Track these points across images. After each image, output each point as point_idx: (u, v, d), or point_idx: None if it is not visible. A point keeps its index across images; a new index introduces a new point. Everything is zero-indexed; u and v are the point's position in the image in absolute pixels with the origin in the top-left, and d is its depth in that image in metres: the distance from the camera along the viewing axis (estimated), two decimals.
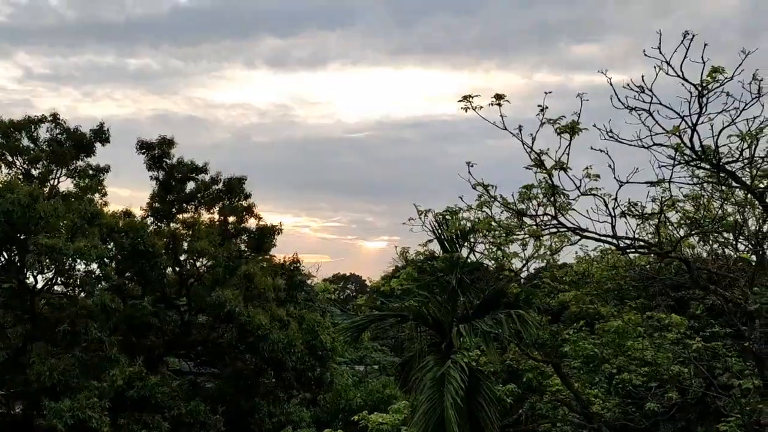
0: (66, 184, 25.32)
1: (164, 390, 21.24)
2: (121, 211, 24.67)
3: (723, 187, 10.66)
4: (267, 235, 26.13)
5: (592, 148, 8.75)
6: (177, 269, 24.82)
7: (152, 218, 26.41)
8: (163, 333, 24.71)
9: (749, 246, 12.21)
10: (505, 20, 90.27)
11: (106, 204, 25.39)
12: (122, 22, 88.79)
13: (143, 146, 26.12)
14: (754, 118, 8.16)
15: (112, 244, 22.92)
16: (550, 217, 9.69)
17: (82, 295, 22.52)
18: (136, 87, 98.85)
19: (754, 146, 8.35)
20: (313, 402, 27.47)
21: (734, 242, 12.21)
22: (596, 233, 9.39)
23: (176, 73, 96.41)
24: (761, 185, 8.86)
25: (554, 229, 10.00)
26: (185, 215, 26.07)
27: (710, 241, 12.61)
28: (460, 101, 9.14)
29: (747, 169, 8.79)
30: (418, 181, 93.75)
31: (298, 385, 24.71)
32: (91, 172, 25.68)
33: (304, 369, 23.87)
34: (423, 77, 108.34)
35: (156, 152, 26.17)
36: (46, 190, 23.99)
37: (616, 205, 9.15)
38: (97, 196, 25.34)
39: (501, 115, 9.00)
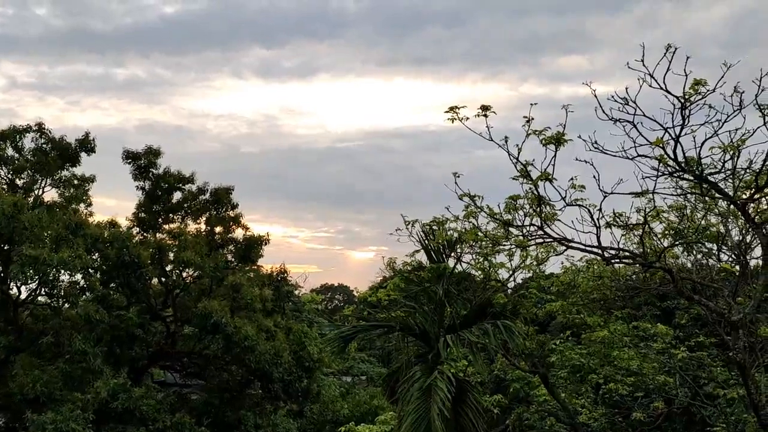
0: (51, 194, 25.09)
1: (149, 402, 21.02)
2: (106, 221, 24.47)
3: (706, 198, 10.78)
4: (254, 245, 26.01)
5: (577, 159, 8.84)
6: (163, 280, 24.63)
7: (138, 228, 26.21)
8: (148, 344, 24.48)
9: (732, 256, 12.34)
10: (492, 33, 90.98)
11: (91, 214, 25.17)
12: (110, 31, 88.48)
13: (129, 156, 25.96)
14: (736, 129, 8.29)
15: (97, 254, 22.71)
16: (536, 228, 9.75)
17: (66, 306, 22.27)
18: (123, 96, 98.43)
19: (736, 158, 8.47)
20: (300, 413, 27.29)
21: (717, 253, 12.34)
22: (582, 244, 9.47)
23: (164, 82, 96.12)
24: (743, 196, 8.97)
25: (540, 240, 10.06)
26: (171, 225, 25.89)
27: (694, 252, 12.73)
28: (446, 112, 9.21)
29: (729, 181, 8.91)
30: (405, 192, 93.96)
31: (285, 396, 24.55)
32: (76, 181, 25.45)
33: (291, 380, 23.72)
34: (411, 88, 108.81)
35: (142, 162, 26.02)
36: (31, 199, 23.74)
37: (601, 215, 9.24)
38: (82, 206, 25.12)
39: (487, 126, 9.08)
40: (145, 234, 26.07)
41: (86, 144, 25.15)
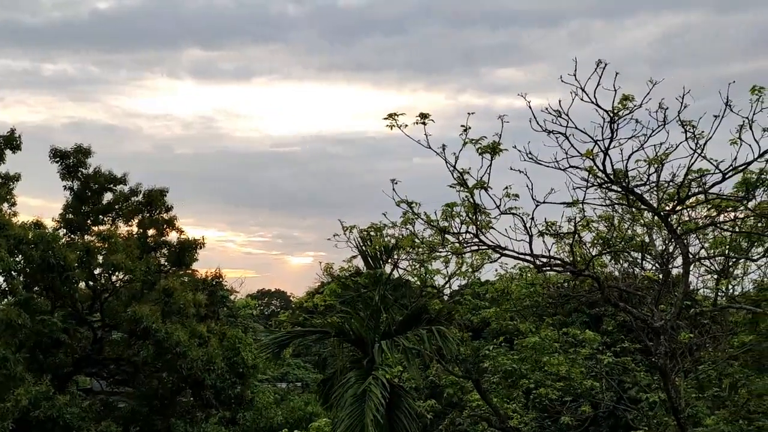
0: None
1: (73, 410, 20.23)
2: (31, 221, 23.39)
3: (633, 209, 11.23)
4: (189, 249, 25.41)
5: (511, 169, 9.05)
6: (90, 284, 23.76)
7: (65, 230, 25.21)
8: (74, 350, 23.55)
9: (655, 265, 12.88)
10: (432, 43, 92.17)
11: (15, 214, 23.99)
12: (39, 25, 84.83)
13: (57, 154, 24.97)
14: (661, 144, 8.69)
15: (20, 256, 21.73)
16: (471, 235, 9.93)
17: None
18: (51, 93, 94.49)
19: (660, 171, 8.86)
20: (233, 421, 26.76)
21: (641, 262, 12.86)
22: (515, 251, 9.69)
23: (95, 80, 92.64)
24: (667, 208, 9.38)
25: (475, 247, 10.25)
26: (101, 227, 25.03)
27: (621, 261, 13.22)
28: (385, 119, 9.27)
29: (654, 193, 9.30)
30: (344, 198, 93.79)
31: (218, 403, 24.05)
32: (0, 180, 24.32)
33: (224, 387, 23.26)
34: (351, 95, 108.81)
35: (71, 161, 25.07)
36: None
37: (534, 224, 9.48)
38: (5, 205, 23.96)
39: (426, 134, 9.19)
40: (72, 236, 25.11)
41: (11, 141, 24.05)
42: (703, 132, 8.39)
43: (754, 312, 10.18)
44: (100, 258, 23.00)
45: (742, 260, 12.75)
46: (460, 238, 10.04)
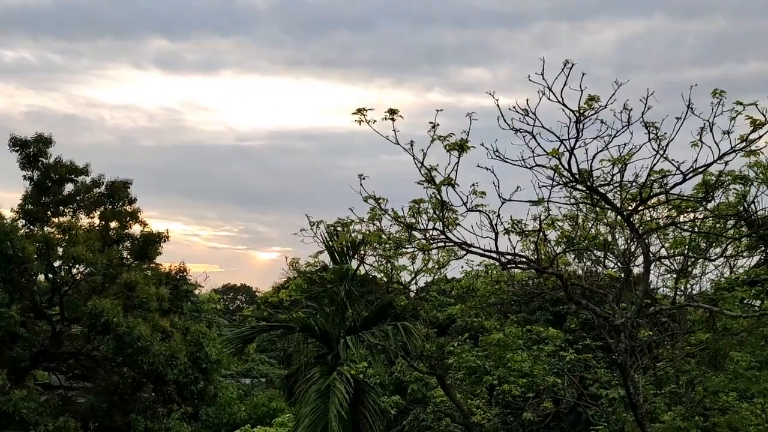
0: None
1: (30, 405, 19.79)
2: None
3: (596, 209, 11.40)
4: (152, 242, 24.97)
5: (479, 166, 9.09)
6: (50, 276, 23.21)
7: (24, 221, 24.54)
8: (32, 344, 22.99)
9: (618, 264, 13.11)
10: (399, 41, 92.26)
11: None
12: None
13: (17, 143, 24.27)
14: (624, 144, 8.82)
15: None
16: (438, 232, 9.94)
17: None
18: (9, 80, 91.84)
19: (623, 171, 9.00)
20: (195, 416, 26.45)
21: (604, 260, 13.08)
22: (481, 248, 9.74)
23: (56, 68, 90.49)
24: (629, 208, 9.54)
25: (442, 244, 10.27)
26: (62, 219, 24.44)
27: (584, 259, 13.42)
28: (354, 113, 9.23)
29: (617, 193, 9.45)
30: (311, 193, 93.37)
31: (180, 399, 23.72)
32: None
33: (187, 382, 22.96)
34: (317, 90, 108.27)
35: (31, 150, 24.39)
36: None
37: (500, 221, 9.54)
38: None
39: (394, 130, 9.17)
40: (31, 227, 24.46)
41: None
42: (665, 134, 8.56)
43: (711, 311, 10.42)
44: (60, 250, 22.48)
45: (701, 260, 13.06)
46: (427, 235, 10.06)
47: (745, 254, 14.39)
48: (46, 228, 24.23)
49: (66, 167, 24.87)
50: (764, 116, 8.13)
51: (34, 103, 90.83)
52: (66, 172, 24.85)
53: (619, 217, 10.56)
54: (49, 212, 24.83)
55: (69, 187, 25.18)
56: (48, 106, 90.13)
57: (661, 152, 8.62)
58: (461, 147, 9.06)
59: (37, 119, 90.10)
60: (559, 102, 8.42)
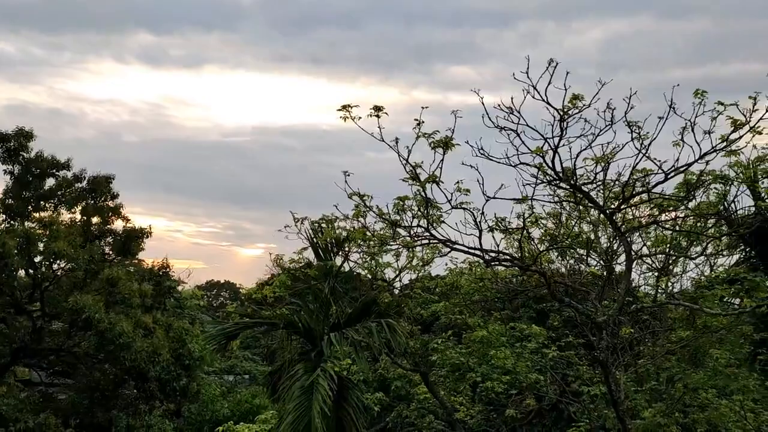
0: None
1: (9, 402, 19.59)
2: None
3: (580, 207, 11.49)
4: (135, 238, 24.74)
5: (463, 164, 9.12)
6: (30, 272, 22.93)
7: (4, 216, 24.24)
8: (12, 340, 22.72)
9: (600, 262, 13.22)
10: (385, 38, 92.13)
11: None
12: None
13: None
14: (608, 143, 8.90)
15: None
16: (422, 229, 9.96)
17: None
18: None
19: (606, 170, 9.07)
20: (178, 413, 26.32)
21: (587, 258, 13.18)
22: (465, 246, 9.78)
23: (38, 62, 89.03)
24: (612, 206, 9.62)
25: (426, 241, 10.30)
26: (42, 214, 24.15)
27: (567, 257, 13.51)
28: (339, 110, 9.22)
29: (600, 191, 9.53)
30: (296, 190, 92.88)
31: (162, 396, 23.58)
32: None
33: (169, 379, 22.82)
34: (304, 87, 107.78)
35: (12, 144, 24.06)
36: None
37: (484, 219, 9.59)
38: None
39: (379, 127, 9.17)
40: (11, 222, 24.16)
41: None
42: (648, 133, 8.64)
43: (692, 309, 10.55)
44: (41, 245, 22.21)
45: (682, 258, 13.21)
46: (411, 232, 10.07)
47: (725, 253, 14.60)
48: (26, 223, 23.93)
49: (47, 162, 24.58)
50: (745, 117, 8.24)
51: (15, 96, 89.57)
52: (47, 167, 24.56)
53: (601, 215, 10.64)
54: (29, 207, 24.54)
55: (50, 182, 24.89)
56: (30, 99, 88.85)
57: (644, 151, 8.70)
58: (446, 144, 9.08)
59: (19, 113, 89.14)
60: (543, 100, 8.47)
